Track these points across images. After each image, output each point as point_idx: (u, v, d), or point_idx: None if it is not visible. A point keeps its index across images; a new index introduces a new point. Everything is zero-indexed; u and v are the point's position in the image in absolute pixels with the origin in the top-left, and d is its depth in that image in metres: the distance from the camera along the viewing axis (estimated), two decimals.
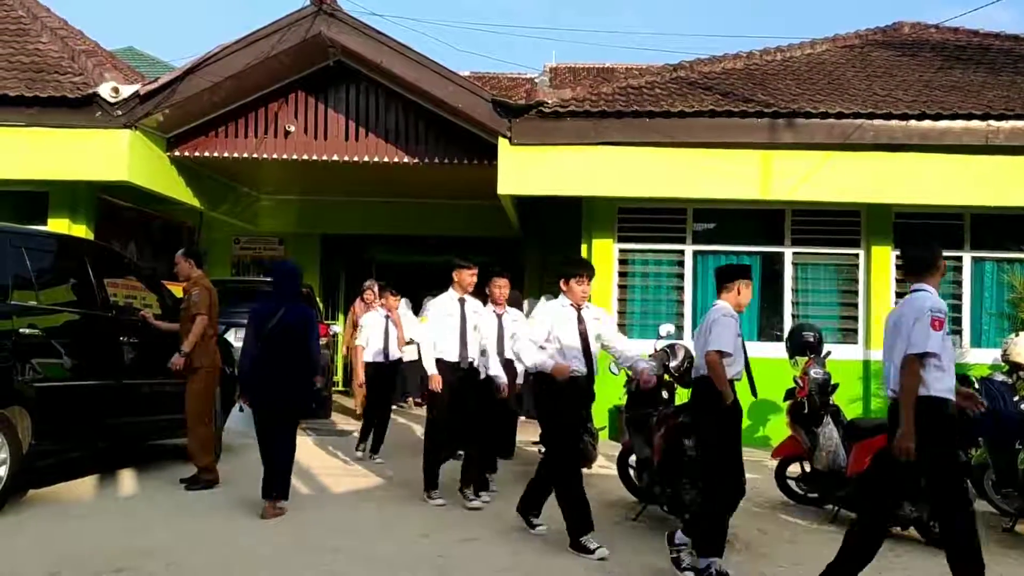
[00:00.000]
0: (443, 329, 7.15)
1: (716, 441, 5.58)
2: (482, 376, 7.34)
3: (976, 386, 7.36)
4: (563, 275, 6.18)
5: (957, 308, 10.83)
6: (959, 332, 10.79)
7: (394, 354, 9.36)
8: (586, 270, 6.20)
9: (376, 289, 10.95)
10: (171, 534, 5.95)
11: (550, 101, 10.42)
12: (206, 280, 7.74)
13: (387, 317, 9.43)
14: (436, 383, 7.11)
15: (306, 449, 9.45)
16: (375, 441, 9.18)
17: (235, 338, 10.93)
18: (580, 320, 6.07)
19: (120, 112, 10.29)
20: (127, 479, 7.71)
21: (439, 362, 7.11)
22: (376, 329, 9.37)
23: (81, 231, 10.69)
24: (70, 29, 12.20)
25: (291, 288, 6.78)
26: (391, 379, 9.58)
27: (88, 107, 10.23)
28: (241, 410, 6.93)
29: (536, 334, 6.09)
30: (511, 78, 17.17)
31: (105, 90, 10.14)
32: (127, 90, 10.25)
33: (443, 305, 7.26)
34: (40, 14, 12.18)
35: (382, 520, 6.61)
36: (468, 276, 7.28)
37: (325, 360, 10.69)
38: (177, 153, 11.48)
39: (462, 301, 7.27)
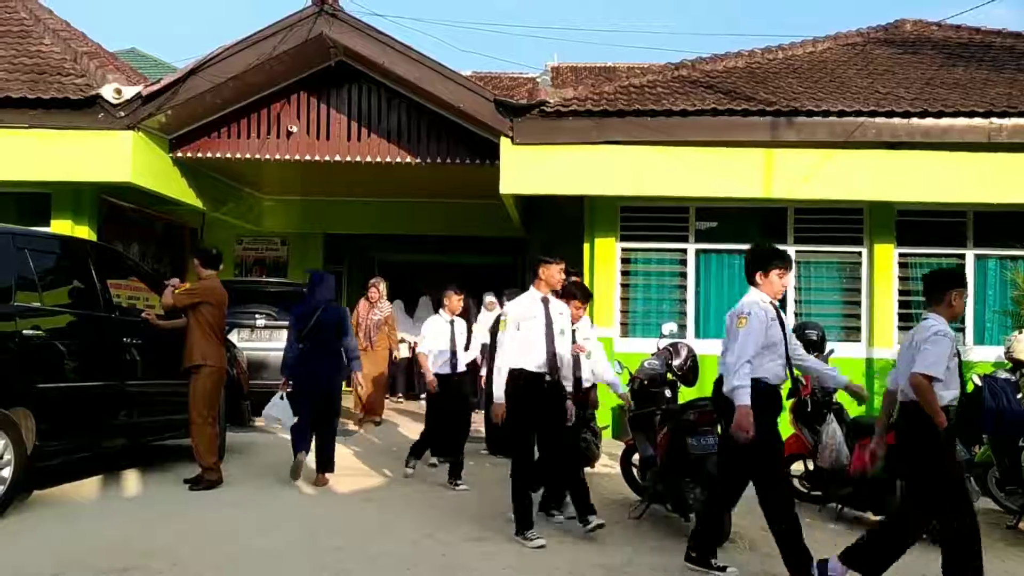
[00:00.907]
0: (527, 335, 6.20)
1: (938, 473, 4.93)
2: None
3: (979, 384, 7.37)
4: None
5: None
6: (962, 330, 10.79)
7: (462, 364, 8.51)
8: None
9: (382, 287, 10.97)
10: (175, 534, 5.97)
11: (552, 100, 10.43)
12: (214, 281, 7.74)
13: (452, 322, 8.46)
14: (500, 412, 6.22)
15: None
16: (453, 466, 7.95)
17: (238, 339, 10.97)
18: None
19: (123, 113, 10.30)
20: (131, 479, 7.72)
21: (519, 374, 6.17)
22: (441, 336, 8.40)
23: (84, 232, 10.70)
24: (73, 31, 12.22)
25: (326, 293, 7.93)
26: (460, 392, 8.47)
27: (91, 108, 10.24)
28: (282, 398, 7.68)
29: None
30: (513, 78, 17.18)
31: (108, 91, 10.16)
32: (129, 91, 10.26)
33: (525, 307, 6.33)
34: (43, 16, 12.22)
35: (385, 519, 6.62)
36: (557, 272, 6.34)
37: None
38: (180, 154, 11.50)
39: (545, 301, 6.32)
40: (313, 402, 7.65)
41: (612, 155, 10.27)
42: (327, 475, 7.76)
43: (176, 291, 7.62)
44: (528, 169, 10.37)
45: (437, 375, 8.21)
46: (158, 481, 7.66)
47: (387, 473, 8.40)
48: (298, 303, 8.35)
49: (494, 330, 10.07)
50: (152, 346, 7.77)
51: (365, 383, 9.92)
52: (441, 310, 8.49)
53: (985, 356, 10.16)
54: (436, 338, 8.34)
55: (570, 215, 11.80)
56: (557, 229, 13.84)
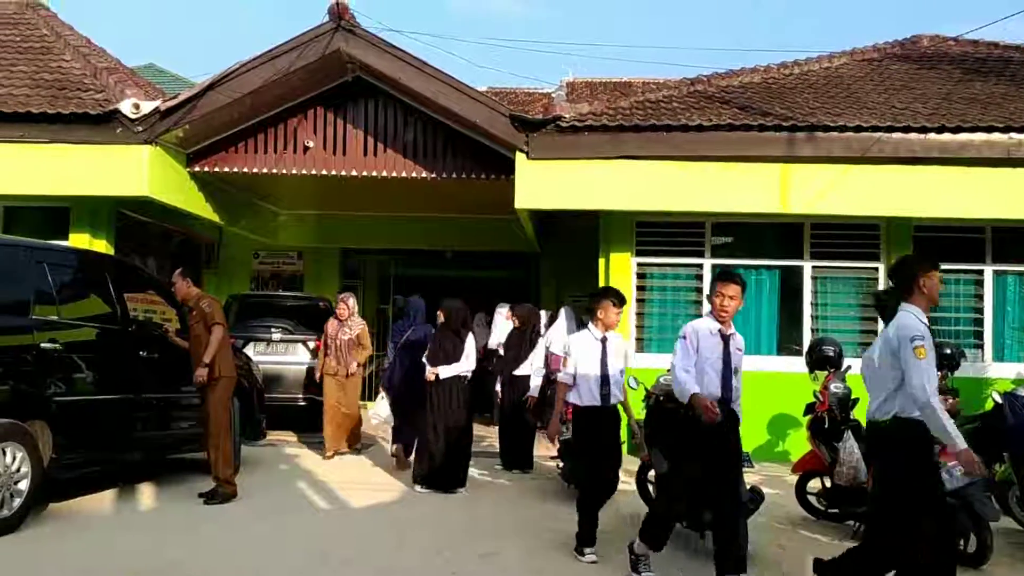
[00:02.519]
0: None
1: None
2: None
3: (999, 401, 7.29)
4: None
5: (979, 322, 10.74)
6: (981, 346, 10.70)
7: (617, 394, 6.41)
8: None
9: (351, 303, 10.29)
10: (189, 548, 5.97)
11: (567, 115, 10.43)
12: (208, 296, 7.80)
13: (604, 340, 6.39)
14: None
15: (323, 464, 9.48)
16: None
17: (254, 352, 11.01)
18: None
19: (141, 128, 10.37)
20: (146, 493, 7.74)
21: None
22: (590, 360, 6.34)
23: (102, 246, 10.76)
24: (92, 47, 12.34)
25: (417, 315, 9.49)
26: (614, 430, 6.43)
27: (109, 123, 10.32)
28: (384, 399, 9.12)
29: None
30: (528, 93, 17.23)
31: (126, 106, 10.24)
32: (148, 106, 10.34)
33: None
34: (64, 32, 12.35)
35: (398, 535, 6.59)
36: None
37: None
38: (197, 168, 11.56)
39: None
40: (404, 405, 8.99)
41: (628, 170, 10.26)
42: (410, 459, 8.98)
43: (201, 308, 7.56)
44: (543, 184, 10.37)
45: (585, 409, 6.35)
46: (173, 495, 7.67)
47: (403, 488, 8.37)
48: (400, 324, 9.74)
49: (510, 342, 10.10)
50: (168, 360, 7.80)
51: (335, 414, 9.91)
52: (591, 324, 6.54)
53: (1004, 373, 10.06)
54: (584, 361, 6.39)
55: (585, 229, 11.79)
56: (572, 244, 13.86)
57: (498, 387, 10.07)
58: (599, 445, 6.26)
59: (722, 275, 5.68)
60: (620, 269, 10.88)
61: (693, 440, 5.46)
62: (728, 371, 5.50)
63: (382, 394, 8.94)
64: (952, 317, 10.80)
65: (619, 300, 6.46)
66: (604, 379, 6.25)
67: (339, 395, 10.03)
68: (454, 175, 11.33)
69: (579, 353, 6.35)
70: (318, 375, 10.29)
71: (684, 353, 5.48)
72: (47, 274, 6.73)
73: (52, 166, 10.25)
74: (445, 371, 8.32)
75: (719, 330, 5.53)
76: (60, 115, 10.19)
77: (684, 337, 5.53)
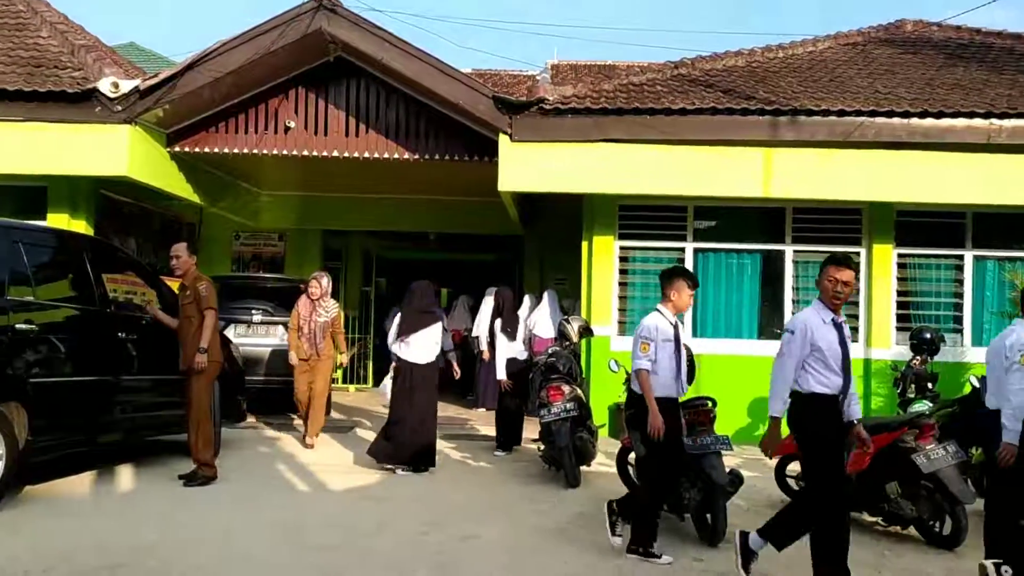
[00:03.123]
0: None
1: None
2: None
3: (976, 385, 7.34)
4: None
5: (959, 307, 10.81)
6: (960, 331, 10.77)
7: (684, 384, 6.09)
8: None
9: (324, 282, 9.70)
10: (169, 531, 5.94)
11: (551, 98, 10.39)
12: (207, 279, 7.74)
13: (677, 326, 6.03)
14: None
15: (303, 447, 9.45)
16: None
17: (234, 334, 10.94)
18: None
19: (120, 107, 10.26)
20: (125, 475, 7.69)
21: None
22: (667, 347, 5.91)
23: (80, 226, 10.67)
24: (70, 24, 12.17)
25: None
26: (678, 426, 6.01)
27: (87, 102, 10.19)
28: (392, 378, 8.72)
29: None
30: (512, 75, 17.13)
31: (105, 85, 10.11)
32: (127, 85, 10.22)
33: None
34: (40, 8, 12.16)
35: (381, 517, 6.58)
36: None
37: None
38: (177, 149, 11.45)
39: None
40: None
41: (611, 153, 10.24)
42: None
43: (197, 292, 7.48)
44: (527, 166, 10.33)
45: (661, 401, 5.83)
46: (152, 477, 7.63)
47: (385, 470, 8.35)
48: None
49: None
50: (148, 341, 7.74)
51: (305, 398, 9.51)
52: (662, 305, 6.02)
53: (983, 357, 10.08)
54: (663, 347, 5.89)
55: (568, 213, 11.77)
56: (555, 227, 13.85)
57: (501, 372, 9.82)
58: (675, 440, 5.81)
59: (835, 260, 5.25)
60: (603, 252, 10.88)
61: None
62: (847, 361, 5.12)
63: (391, 373, 8.76)
64: (932, 302, 10.87)
65: (694, 281, 6.05)
66: (679, 368, 5.87)
67: (312, 379, 9.50)
68: (437, 157, 11.26)
69: (662, 339, 5.81)
70: (293, 357, 9.59)
71: (791, 350, 5.04)
72: (22, 254, 6.64)
73: (29, 145, 10.11)
74: (422, 356, 8.43)
75: (832, 319, 5.17)
76: (36, 93, 10.04)
77: (792, 332, 5.09)
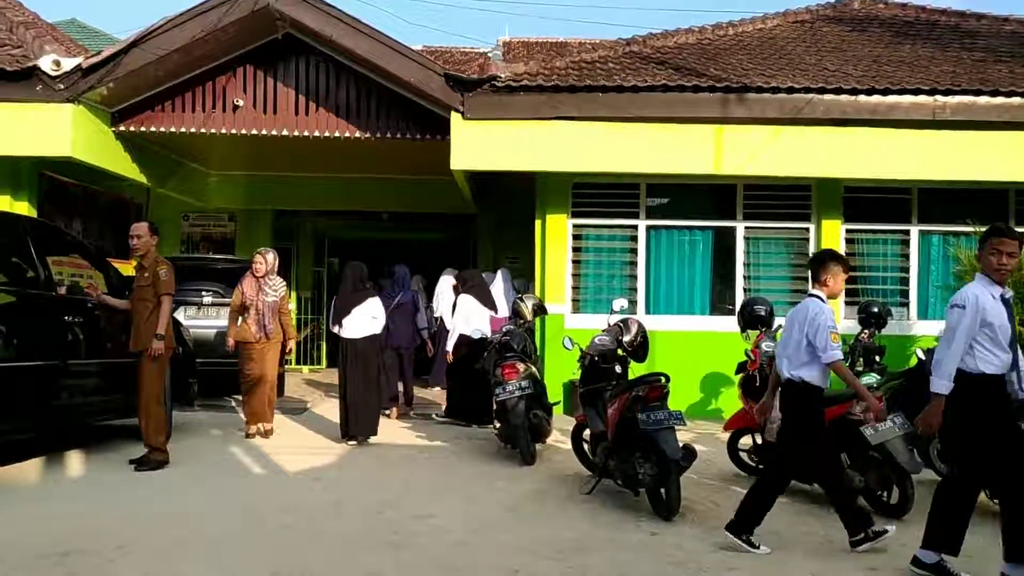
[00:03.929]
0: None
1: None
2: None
3: (922, 358, 7.48)
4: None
5: (905, 281, 11.03)
6: (906, 305, 10.99)
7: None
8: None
9: (270, 258, 8.95)
10: (121, 517, 5.86)
11: (503, 75, 10.35)
12: (167, 263, 7.60)
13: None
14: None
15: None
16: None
17: (184, 316, 10.78)
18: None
19: (62, 86, 10.02)
20: (75, 461, 7.57)
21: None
22: None
23: (23, 208, 10.43)
24: (8, 1, 11.83)
25: (404, 282, 10.77)
26: None
27: (28, 81, 9.95)
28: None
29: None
30: (464, 52, 17.00)
31: (46, 63, 9.87)
32: (69, 63, 9.98)
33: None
34: None
35: (335, 498, 6.56)
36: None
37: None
38: (122, 128, 11.23)
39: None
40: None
41: (563, 131, 10.24)
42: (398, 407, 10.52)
43: (157, 276, 7.32)
44: (479, 145, 10.30)
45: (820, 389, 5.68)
46: (103, 463, 7.52)
47: (340, 451, 8.32)
48: (386, 289, 10.75)
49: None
50: (96, 325, 7.60)
51: (255, 384, 8.80)
52: (817, 290, 5.72)
53: (928, 331, 10.36)
54: None
55: (521, 191, 11.77)
56: (508, 205, 13.83)
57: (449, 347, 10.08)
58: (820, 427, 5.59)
59: (997, 230, 4.84)
60: (556, 230, 10.90)
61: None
62: (1015, 339, 4.77)
63: None
64: (879, 276, 11.08)
65: (846, 265, 5.73)
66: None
67: (259, 363, 8.81)
68: (388, 135, 11.18)
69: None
70: (231, 341, 8.90)
71: (967, 329, 4.72)
72: None
73: None
74: (356, 331, 8.70)
75: (1000, 294, 4.81)
76: None
77: (963, 307, 4.75)
